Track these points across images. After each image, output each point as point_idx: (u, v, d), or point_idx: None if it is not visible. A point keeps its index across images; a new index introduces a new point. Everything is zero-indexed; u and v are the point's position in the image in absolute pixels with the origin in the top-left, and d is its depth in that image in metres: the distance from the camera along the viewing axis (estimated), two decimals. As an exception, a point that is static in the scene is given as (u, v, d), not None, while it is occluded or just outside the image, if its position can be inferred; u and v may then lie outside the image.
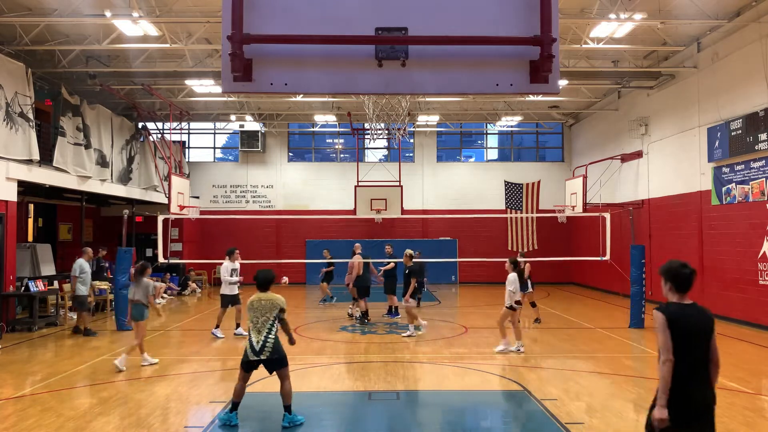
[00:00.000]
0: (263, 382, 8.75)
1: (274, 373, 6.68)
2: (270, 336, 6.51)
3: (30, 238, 18.55)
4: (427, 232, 25.42)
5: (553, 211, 20.55)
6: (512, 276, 10.76)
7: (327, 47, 3.21)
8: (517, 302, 10.68)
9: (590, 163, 21.26)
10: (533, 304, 14.41)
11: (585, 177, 18.19)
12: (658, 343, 3.81)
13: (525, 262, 14.31)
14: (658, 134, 17.95)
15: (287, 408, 6.63)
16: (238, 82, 3.21)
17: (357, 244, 15.30)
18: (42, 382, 8.61)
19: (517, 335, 10.81)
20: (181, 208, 16.63)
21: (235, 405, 6.69)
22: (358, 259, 14.31)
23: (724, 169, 14.39)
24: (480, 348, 11.25)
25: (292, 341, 6.84)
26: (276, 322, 6.59)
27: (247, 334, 11.27)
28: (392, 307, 15.08)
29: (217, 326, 12.34)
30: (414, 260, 13.02)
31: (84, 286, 12.99)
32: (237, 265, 12.51)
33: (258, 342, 6.49)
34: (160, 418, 6.86)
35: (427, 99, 20.38)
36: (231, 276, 12.30)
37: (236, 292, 12.38)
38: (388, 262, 14.84)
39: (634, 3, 12.88)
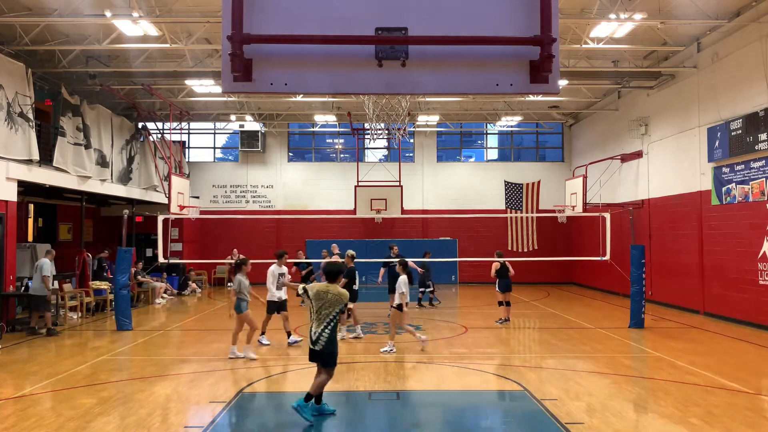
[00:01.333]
0: (262, 381, 8.76)
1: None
2: (327, 329, 6.63)
3: (30, 238, 18.56)
4: (427, 232, 25.42)
5: (553, 211, 20.55)
6: (403, 277, 10.96)
7: (327, 47, 3.21)
8: (406, 304, 10.88)
9: (590, 163, 21.26)
10: (501, 303, 14.23)
11: (585, 177, 18.19)
12: None
13: (505, 262, 14.30)
14: (658, 134, 17.95)
15: (308, 396, 6.68)
16: (238, 82, 3.21)
17: (334, 245, 15.26)
18: (42, 382, 8.61)
19: (391, 336, 10.92)
20: (181, 208, 16.63)
21: (308, 396, 6.72)
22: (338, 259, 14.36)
23: (724, 169, 14.39)
24: (480, 348, 11.26)
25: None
26: (337, 315, 6.69)
27: (300, 339, 11.28)
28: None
29: (263, 333, 11.52)
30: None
31: (45, 286, 12.80)
32: (285, 269, 11.68)
33: (315, 333, 6.65)
34: (160, 418, 6.85)
35: (427, 99, 20.39)
36: (278, 280, 11.47)
37: (285, 297, 11.56)
38: (387, 261, 14.82)
39: (634, 3, 12.88)
